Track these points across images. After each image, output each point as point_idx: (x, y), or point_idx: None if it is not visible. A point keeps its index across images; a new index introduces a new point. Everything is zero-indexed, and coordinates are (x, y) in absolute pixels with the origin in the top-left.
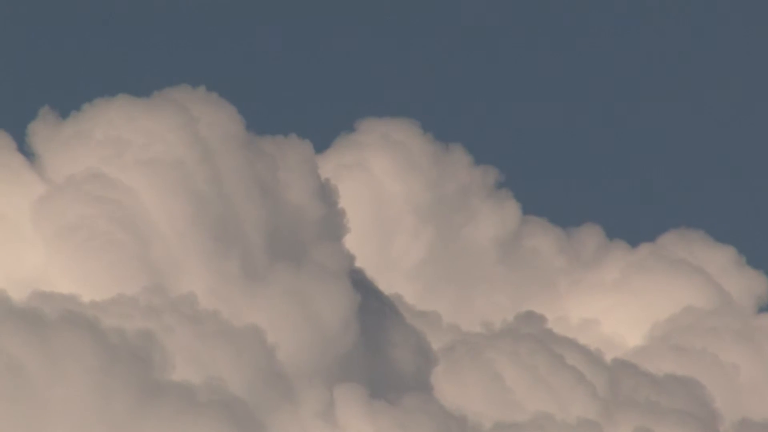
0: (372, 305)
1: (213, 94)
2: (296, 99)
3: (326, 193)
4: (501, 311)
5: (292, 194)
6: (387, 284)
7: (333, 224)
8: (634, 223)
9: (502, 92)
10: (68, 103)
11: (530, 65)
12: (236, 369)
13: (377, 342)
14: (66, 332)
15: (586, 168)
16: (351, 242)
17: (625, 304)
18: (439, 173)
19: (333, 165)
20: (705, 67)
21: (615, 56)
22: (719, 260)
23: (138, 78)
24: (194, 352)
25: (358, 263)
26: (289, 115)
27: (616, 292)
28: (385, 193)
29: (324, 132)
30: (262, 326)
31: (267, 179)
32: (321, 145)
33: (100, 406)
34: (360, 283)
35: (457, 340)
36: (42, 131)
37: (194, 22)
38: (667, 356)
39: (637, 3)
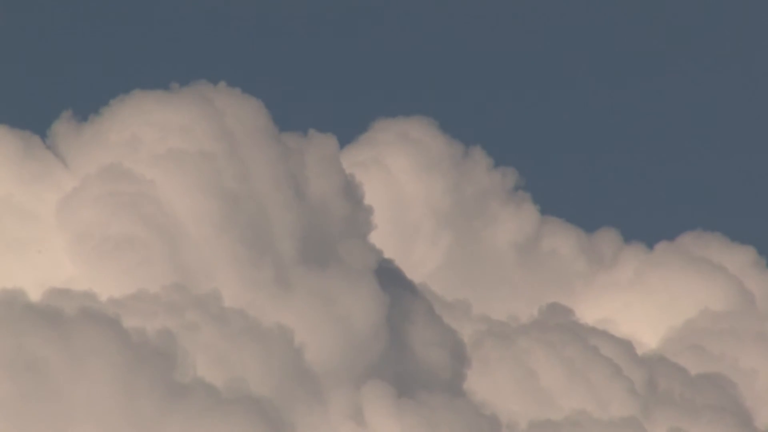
0: (401, 298)
1: (236, 89)
2: (313, 97)
3: (351, 190)
4: (521, 312)
5: (319, 191)
6: None
7: (359, 221)
8: (651, 225)
9: (521, 94)
10: (89, 103)
11: (550, 68)
12: (264, 369)
13: (406, 338)
14: (88, 330)
15: (604, 170)
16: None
17: (643, 305)
18: (458, 175)
19: (349, 164)
20: (721, 69)
21: (633, 58)
22: (739, 261)
23: (155, 75)
24: (221, 351)
25: None
26: (305, 113)
27: (635, 293)
28: (405, 194)
29: (341, 131)
30: (289, 325)
31: (295, 175)
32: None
33: (124, 403)
34: (390, 273)
35: (484, 331)
36: (64, 131)
37: (205, 20)
38: (687, 358)
39: (661, 6)
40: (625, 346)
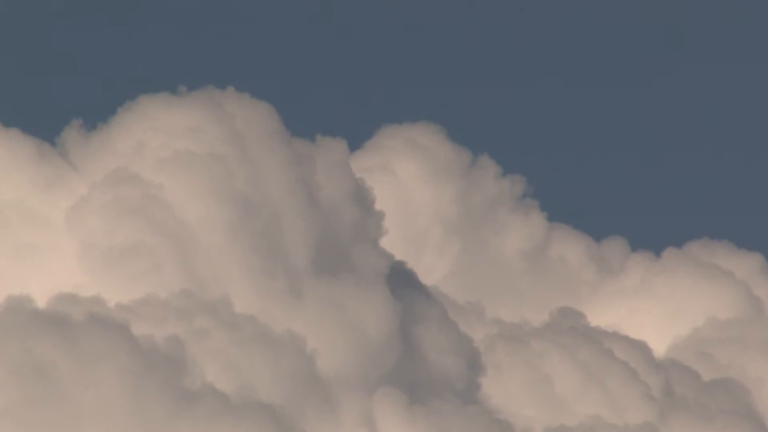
0: (413, 303)
1: (244, 94)
2: (317, 102)
3: (362, 195)
4: (529, 320)
5: (330, 196)
6: None
7: (370, 226)
8: (659, 232)
9: (529, 102)
10: (99, 109)
11: (558, 76)
12: (275, 375)
13: (418, 345)
14: (96, 336)
15: (612, 178)
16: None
17: (650, 312)
18: (466, 183)
19: (356, 170)
20: (729, 76)
21: (641, 67)
22: (747, 268)
23: (163, 82)
24: (231, 357)
25: None
26: (309, 118)
27: (642, 301)
28: (413, 202)
29: (347, 137)
30: (300, 332)
31: (305, 180)
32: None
33: (133, 410)
34: (402, 276)
35: (496, 334)
36: (73, 138)
37: (207, 24)
38: (694, 365)
39: (669, 11)
40: (641, 348)
